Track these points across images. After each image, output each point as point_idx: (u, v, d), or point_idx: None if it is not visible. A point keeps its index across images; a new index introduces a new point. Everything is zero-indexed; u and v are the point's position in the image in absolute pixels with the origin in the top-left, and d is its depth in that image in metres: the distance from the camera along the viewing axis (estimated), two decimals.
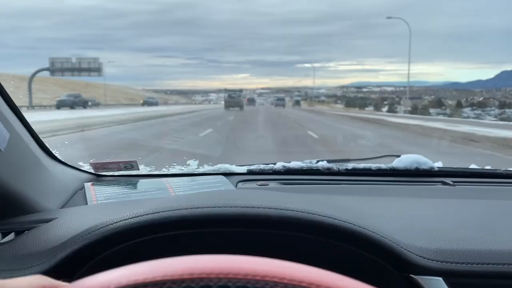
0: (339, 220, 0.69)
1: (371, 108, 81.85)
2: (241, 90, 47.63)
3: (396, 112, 67.72)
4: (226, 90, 45.73)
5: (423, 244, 0.76)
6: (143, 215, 0.68)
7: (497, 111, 68.56)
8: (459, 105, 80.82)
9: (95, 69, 32.71)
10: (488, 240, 0.82)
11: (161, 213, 0.68)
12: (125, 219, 0.68)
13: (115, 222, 0.68)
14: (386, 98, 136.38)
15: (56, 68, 31.25)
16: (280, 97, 78.99)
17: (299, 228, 0.69)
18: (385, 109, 75.55)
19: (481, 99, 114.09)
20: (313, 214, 0.69)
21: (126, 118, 17.85)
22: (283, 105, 62.48)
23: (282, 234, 0.69)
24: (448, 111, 63.04)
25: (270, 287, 0.35)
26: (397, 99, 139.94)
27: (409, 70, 42.45)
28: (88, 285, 0.35)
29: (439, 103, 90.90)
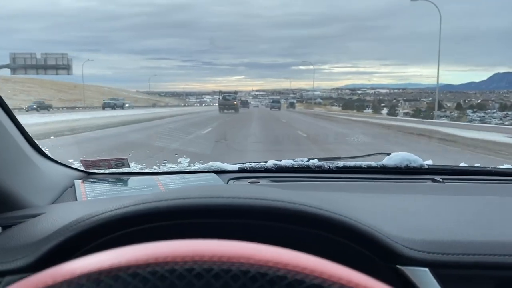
0: (325, 210, 0.69)
1: (369, 110, 78.84)
2: (236, 92, 44.80)
3: (396, 115, 64.60)
4: (220, 92, 42.80)
5: (410, 235, 0.76)
6: (128, 207, 0.68)
7: (499, 113, 65.65)
8: (459, 107, 77.74)
9: (63, 66, 27.63)
10: (475, 232, 0.83)
11: (146, 204, 0.68)
12: (110, 211, 0.68)
13: (101, 214, 0.68)
14: (383, 101, 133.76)
15: (18, 65, 26.34)
16: (275, 99, 75.84)
17: (284, 219, 0.68)
18: (384, 111, 72.25)
19: (479, 101, 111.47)
20: (299, 204, 0.69)
21: (47, 130, 10.93)
22: (279, 108, 59.98)
23: (267, 225, 0.69)
24: (449, 113, 59.70)
25: (237, 267, 0.35)
26: (394, 101, 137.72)
27: (438, 66, 29.78)
28: (52, 274, 0.35)
29: (438, 106, 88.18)
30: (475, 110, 77.03)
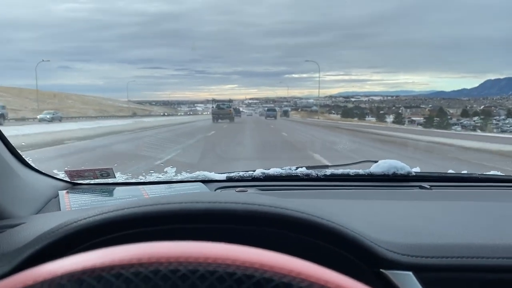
0: (306, 214, 0.68)
1: (371, 118, 73.22)
2: (230, 101, 41.77)
3: (403, 123, 59.07)
4: (214, 101, 40.68)
5: (393, 239, 0.76)
6: (107, 212, 0.66)
7: (510, 120, 60.42)
8: (465, 114, 72.35)
9: None
10: (459, 235, 0.82)
11: (126, 209, 0.66)
12: (89, 217, 0.66)
13: (79, 220, 0.66)
14: (382, 108, 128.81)
15: None
16: (271, 107, 70.14)
17: (265, 222, 0.67)
18: (388, 119, 66.55)
19: (482, 107, 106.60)
20: (280, 208, 0.68)
21: None
22: (275, 117, 55.70)
23: (251, 230, 0.68)
24: (472, 122, 54.12)
25: (223, 269, 0.34)
26: (394, 108, 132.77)
27: None
28: (36, 273, 0.34)
29: (442, 112, 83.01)
30: (482, 117, 71.89)
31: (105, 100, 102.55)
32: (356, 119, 65.72)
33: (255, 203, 0.68)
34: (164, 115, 72.24)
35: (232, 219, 0.67)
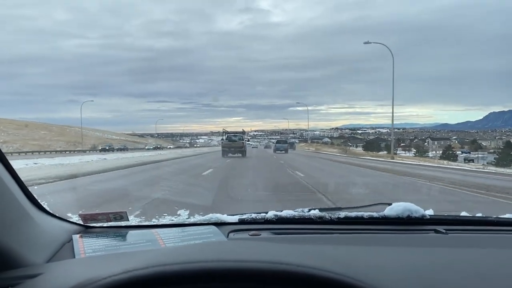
0: (335, 273, 0.65)
1: (402, 152, 60.02)
2: (243, 132, 32.60)
3: (454, 158, 45.81)
4: (225, 132, 33.37)
5: None
6: (132, 271, 0.63)
7: None
8: (509, 146, 58.57)
9: None
10: None
11: (151, 268, 0.64)
12: (114, 275, 0.63)
13: (104, 278, 0.62)
14: (404, 140, 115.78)
15: None
16: (281, 139, 56.95)
17: (293, 282, 0.64)
18: (430, 153, 52.99)
19: (499, 137, 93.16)
20: (308, 267, 0.65)
21: None
22: (286, 150, 42.45)
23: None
24: None
25: None
26: (416, 140, 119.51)
27: None
28: None
29: (477, 144, 69.91)
30: None
31: (92, 132, 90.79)
32: (384, 153, 52.24)
33: (282, 262, 0.66)
34: (104, 149, 51.25)
35: (258, 278, 0.65)
